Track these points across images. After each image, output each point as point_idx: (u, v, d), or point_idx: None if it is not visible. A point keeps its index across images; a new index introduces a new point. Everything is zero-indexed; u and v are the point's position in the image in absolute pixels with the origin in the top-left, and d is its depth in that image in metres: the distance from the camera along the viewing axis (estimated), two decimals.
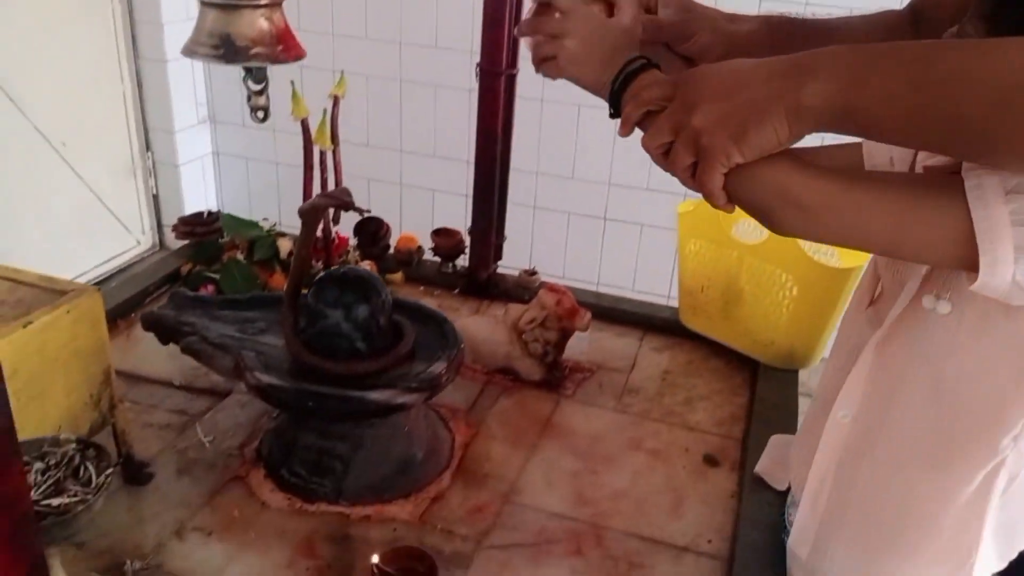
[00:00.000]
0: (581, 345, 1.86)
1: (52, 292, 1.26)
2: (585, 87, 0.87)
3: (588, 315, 1.73)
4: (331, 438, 1.40)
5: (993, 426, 0.82)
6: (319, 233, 1.85)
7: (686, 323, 1.97)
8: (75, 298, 1.25)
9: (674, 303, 2.01)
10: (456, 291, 2.12)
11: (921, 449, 0.88)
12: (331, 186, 1.84)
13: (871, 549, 0.98)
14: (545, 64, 0.90)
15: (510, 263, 2.19)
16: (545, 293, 1.72)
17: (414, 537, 1.32)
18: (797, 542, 1.12)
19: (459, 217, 2.23)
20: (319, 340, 1.38)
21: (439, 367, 1.38)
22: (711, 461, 1.56)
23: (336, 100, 1.75)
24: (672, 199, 2.12)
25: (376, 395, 1.30)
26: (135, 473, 1.39)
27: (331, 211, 1.90)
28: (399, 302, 1.58)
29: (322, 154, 1.82)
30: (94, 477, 1.05)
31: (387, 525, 1.34)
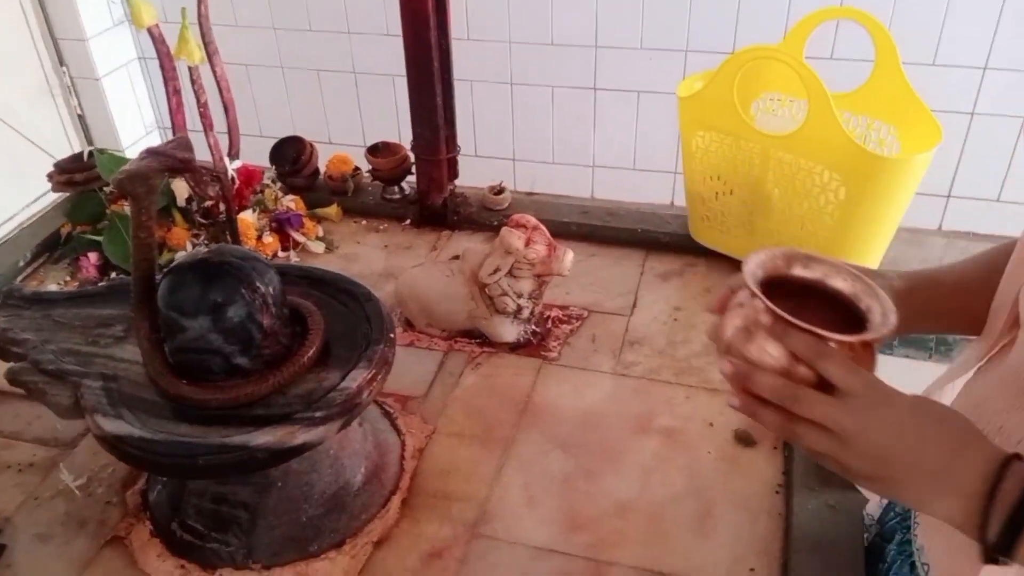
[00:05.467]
0: (566, 282, 1.45)
1: None
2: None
3: (569, 255, 1.31)
4: (228, 481, 1.03)
5: None
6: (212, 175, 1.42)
7: (698, 238, 1.54)
8: None
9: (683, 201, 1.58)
10: (406, 222, 1.70)
11: None
12: (216, 113, 1.39)
13: None
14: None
15: (486, 166, 1.76)
16: (508, 232, 1.30)
17: None
18: None
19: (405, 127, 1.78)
20: (183, 357, 0.98)
21: (358, 378, 0.99)
22: (745, 440, 1.18)
23: None
24: (672, 61, 1.65)
25: (264, 438, 0.92)
26: None
27: (226, 145, 1.46)
28: (306, 274, 1.17)
29: (192, 71, 1.36)
30: None
31: None
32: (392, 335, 1.07)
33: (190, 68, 1.36)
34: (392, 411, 1.24)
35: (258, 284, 0.97)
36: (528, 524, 1.07)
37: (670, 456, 1.15)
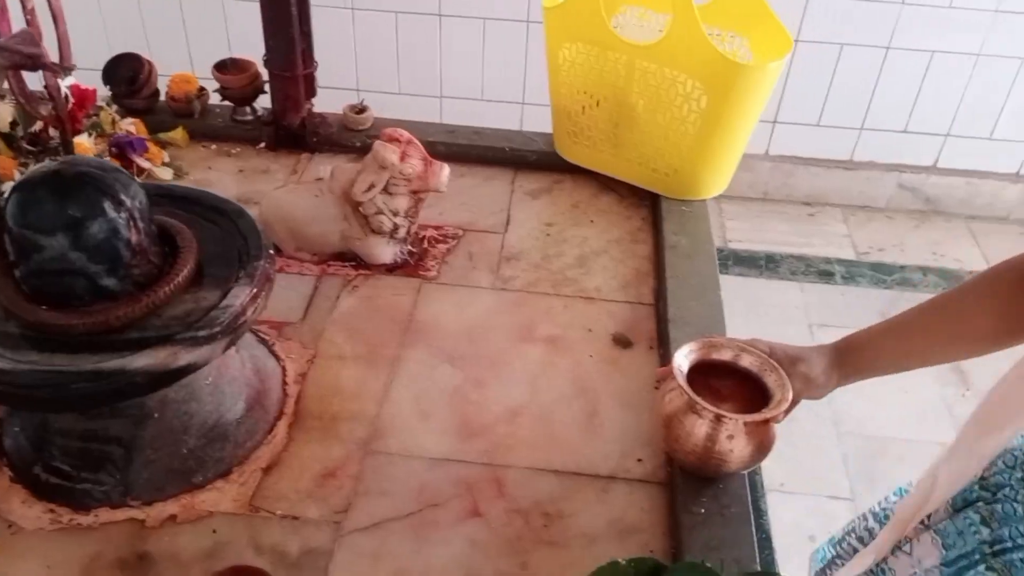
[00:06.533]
0: (439, 201, 1.43)
1: None
2: None
3: (445, 170, 1.29)
4: (99, 415, 0.95)
5: None
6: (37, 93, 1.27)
7: (564, 155, 1.57)
8: None
9: (537, 124, 1.60)
10: (261, 145, 1.61)
11: None
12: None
13: None
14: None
15: (331, 97, 1.69)
16: (382, 146, 1.26)
17: (244, 537, 0.94)
18: None
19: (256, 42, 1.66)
20: (41, 281, 0.89)
21: (241, 295, 0.94)
22: (622, 342, 1.23)
23: None
24: None
25: (143, 361, 0.85)
26: None
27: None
28: (166, 192, 1.08)
29: None
30: None
31: (203, 525, 0.95)
32: (271, 251, 1.02)
33: None
34: (268, 338, 1.19)
35: (123, 196, 0.89)
36: (422, 437, 1.06)
37: (554, 362, 1.19)
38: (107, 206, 0.87)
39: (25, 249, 0.88)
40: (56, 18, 1.28)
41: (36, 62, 0.86)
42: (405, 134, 1.29)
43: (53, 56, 1.20)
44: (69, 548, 0.92)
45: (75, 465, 0.96)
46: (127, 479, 0.96)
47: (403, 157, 1.26)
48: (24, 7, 1.21)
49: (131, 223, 0.90)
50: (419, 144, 1.28)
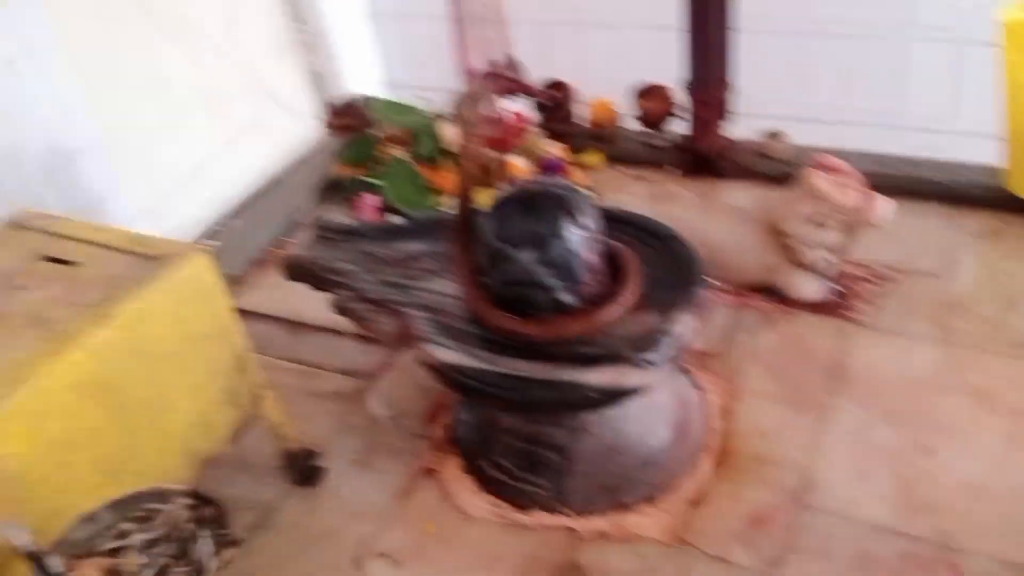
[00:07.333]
0: (866, 238, 1.31)
1: (146, 260, 0.91)
2: None
3: (887, 203, 1.18)
4: (542, 420, 1.00)
5: None
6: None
7: (1021, 191, 1.35)
8: (172, 267, 0.89)
9: (974, 155, 1.39)
10: (672, 170, 1.61)
11: None
12: (493, 49, 1.36)
13: None
14: None
15: (742, 123, 1.63)
16: (818, 176, 1.18)
17: (672, 568, 0.92)
18: None
19: (652, 67, 1.64)
20: (506, 290, 0.95)
21: (683, 321, 0.92)
22: None
23: None
24: None
25: (596, 376, 0.87)
26: (303, 472, 1.07)
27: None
28: (607, 215, 1.11)
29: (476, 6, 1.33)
30: (208, 562, 0.71)
31: (631, 548, 0.95)
32: (708, 278, 0.99)
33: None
34: (689, 366, 1.17)
35: (583, 217, 0.92)
36: (860, 498, 0.97)
37: (1020, 435, 1.01)
38: (569, 225, 0.91)
39: (496, 260, 0.95)
40: (505, 46, 1.40)
41: (524, 88, 0.92)
42: (841, 163, 1.20)
43: None
44: (509, 544, 0.97)
45: (517, 464, 1.02)
46: (562, 487, 1.00)
47: (840, 188, 1.17)
48: (480, 37, 1.34)
49: (589, 242, 0.93)
50: (856, 174, 1.19)
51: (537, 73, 1.96)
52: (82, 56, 1.48)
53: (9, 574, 0.72)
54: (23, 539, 0.64)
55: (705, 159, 1.58)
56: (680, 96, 1.57)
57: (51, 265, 0.92)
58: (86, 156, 1.42)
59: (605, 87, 1.78)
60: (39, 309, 0.85)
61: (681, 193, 1.56)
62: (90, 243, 0.95)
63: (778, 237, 1.23)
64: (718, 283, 1.30)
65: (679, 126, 1.62)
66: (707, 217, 1.35)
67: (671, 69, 1.55)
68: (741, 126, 1.64)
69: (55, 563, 0.68)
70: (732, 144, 1.59)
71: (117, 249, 0.93)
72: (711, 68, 1.49)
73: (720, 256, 1.29)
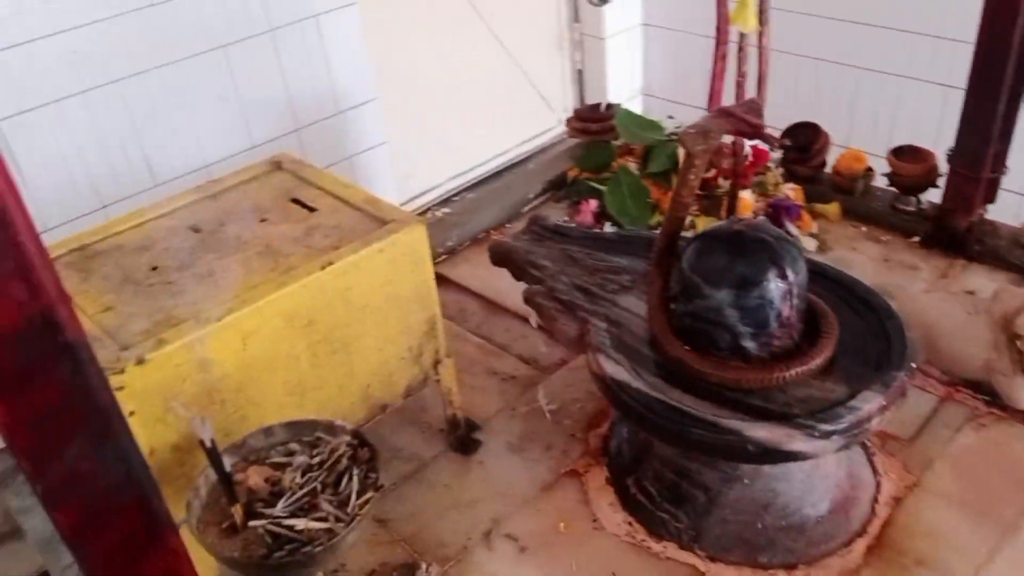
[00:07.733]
0: None
1: (372, 220, 1.02)
2: None
3: None
4: (696, 458, 1.00)
5: None
6: (725, 139, 1.39)
7: None
8: (393, 232, 0.99)
9: None
10: (915, 239, 1.50)
11: None
12: (749, 86, 1.34)
13: None
14: None
15: (1010, 204, 1.49)
16: None
17: None
18: None
19: (931, 133, 1.54)
20: (692, 323, 0.96)
21: (871, 401, 0.87)
22: None
23: None
24: None
25: (760, 432, 0.86)
26: (461, 441, 1.15)
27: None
28: (818, 270, 1.07)
29: (741, 37, 1.32)
30: (353, 498, 0.80)
31: None
32: (914, 365, 0.93)
33: (740, 35, 1.32)
34: (870, 446, 1.11)
35: (788, 270, 0.90)
36: None
37: None
38: (773, 275, 0.90)
39: (689, 291, 0.95)
40: (761, 82, 1.38)
41: (756, 132, 0.92)
42: None
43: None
44: (633, 565, 0.98)
45: (661, 493, 1.03)
46: (700, 527, 0.99)
47: None
48: (739, 69, 1.33)
49: (788, 296, 0.90)
50: None
51: (795, 111, 1.88)
52: (375, 24, 1.66)
53: (190, 460, 0.86)
54: (207, 434, 0.76)
55: (954, 236, 1.45)
56: (942, 165, 1.46)
57: (295, 207, 1.06)
58: (361, 114, 1.59)
59: (864, 138, 1.69)
60: (276, 243, 0.99)
61: (917, 265, 1.45)
62: (332, 195, 1.08)
63: (1011, 337, 1.12)
64: (930, 369, 1.21)
65: (933, 194, 1.51)
66: (937, 296, 1.25)
67: (942, 132, 1.45)
68: (1004, 205, 1.50)
69: (227, 462, 0.80)
70: (990, 226, 1.45)
71: (352, 205, 1.06)
72: (986, 142, 1.37)
73: (941, 340, 1.21)
